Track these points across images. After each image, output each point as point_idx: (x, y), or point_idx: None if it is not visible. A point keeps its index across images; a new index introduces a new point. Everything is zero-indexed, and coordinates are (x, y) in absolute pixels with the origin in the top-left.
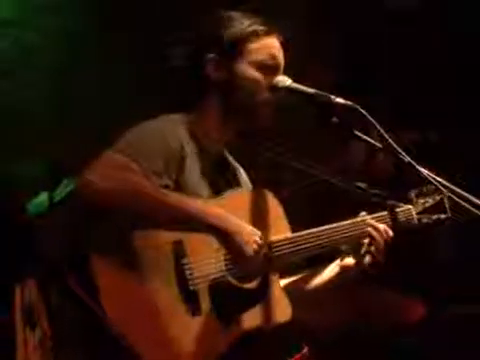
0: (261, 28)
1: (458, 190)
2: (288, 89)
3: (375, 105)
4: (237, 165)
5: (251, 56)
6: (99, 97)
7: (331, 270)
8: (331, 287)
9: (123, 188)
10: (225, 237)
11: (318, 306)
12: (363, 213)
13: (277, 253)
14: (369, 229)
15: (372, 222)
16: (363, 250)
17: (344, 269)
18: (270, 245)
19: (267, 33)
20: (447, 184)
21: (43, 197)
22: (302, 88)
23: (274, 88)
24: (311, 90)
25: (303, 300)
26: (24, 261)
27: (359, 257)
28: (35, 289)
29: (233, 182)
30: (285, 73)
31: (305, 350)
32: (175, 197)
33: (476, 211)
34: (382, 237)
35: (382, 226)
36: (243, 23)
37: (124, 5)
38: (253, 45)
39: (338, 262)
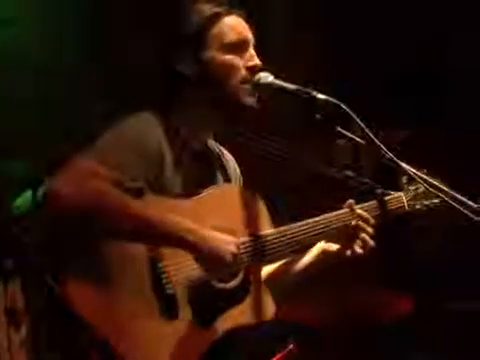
0: (219, 10)
1: (445, 188)
2: (270, 86)
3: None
4: (227, 157)
5: (217, 40)
6: (90, 97)
7: (312, 255)
8: (312, 272)
9: (93, 202)
10: (196, 251)
11: (303, 302)
12: (351, 201)
13: (270, 246)
14: (359, 221)
15: (359, 211)
16: (353, 239)
17: (326, 254)
18: (261, 239)
19: (226, 13)
20: (433, 181)
21: (27, 196)
22: (284, 84)
23: (256, 85)
24: (293, 86)
25: (289, 296)
26: (7, 261)
27: (346, 245)
28: (19, 289)
29: (220, 176)
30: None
31: (291, 346)
32: (147, 211)
33: (462, 208)
34: (367, 225)
35: (362, 212)
36: (202, 11)
37: (118, 5)
38: (216, 29)
39: (319, 247)
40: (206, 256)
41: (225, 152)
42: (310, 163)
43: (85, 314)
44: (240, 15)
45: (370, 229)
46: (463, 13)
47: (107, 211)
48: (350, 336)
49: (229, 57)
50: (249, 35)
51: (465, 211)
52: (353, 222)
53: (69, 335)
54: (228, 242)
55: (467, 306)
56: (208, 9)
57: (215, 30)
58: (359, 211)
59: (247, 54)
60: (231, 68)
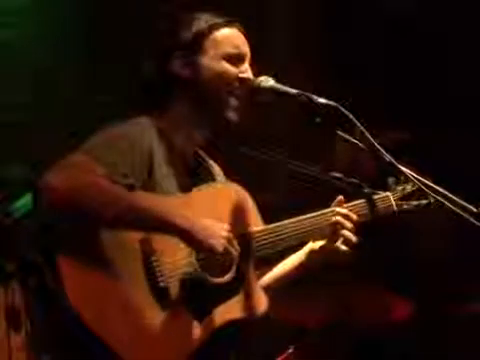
0: (220, 21)
1: (440, 189)
2: (271, 90)
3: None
4: (212, 163)
5: (214, 49)
6: (86, 98)
7: (300, 253)
8: (301, 271)
9: (85, 192)
10: (190, 237)
11: (302, 304)
12: (340, 197)
13: (258, 244)
14: (338, 217)
15: (337, 209)
16: (336, 236)
17: (313, 252)
18: (250, 236)
19: (227, 25)
20: (429, 183)
21: (27, 198)
22: (285, 88)
23: (257, 89)
24: (293, 90)
25: (285, 296)
26: (7, 263)
27: (331, 242)
28: (19, 291)
29: (207, 180)
30: (268, 73)
31: (291, 349)
32: (138, 199)
33: (456, 209)
34: (347, 221)
35: (345, 211)
36: (202, 19)
37: (116, 6)
38: (214, 38)
39: (307, 246)
40: (198, 242)
41: (214, 164)
42: (299, 166)
43: (78, 305)
44: (239, 28)
45: (349, 225)
46: (463, 15)
47: (98, 201)
48: (349, 339)
49: (224, 65)
50: (246, 49)
51: (463, 213)
52: (333, 219)
53: (64, 336)
54: (220, 228)
55: (469, 308)
56: (209, 18)
57: (213, 38)
58: (338, 209)
59: (242, 67)
60: (223, 76)
